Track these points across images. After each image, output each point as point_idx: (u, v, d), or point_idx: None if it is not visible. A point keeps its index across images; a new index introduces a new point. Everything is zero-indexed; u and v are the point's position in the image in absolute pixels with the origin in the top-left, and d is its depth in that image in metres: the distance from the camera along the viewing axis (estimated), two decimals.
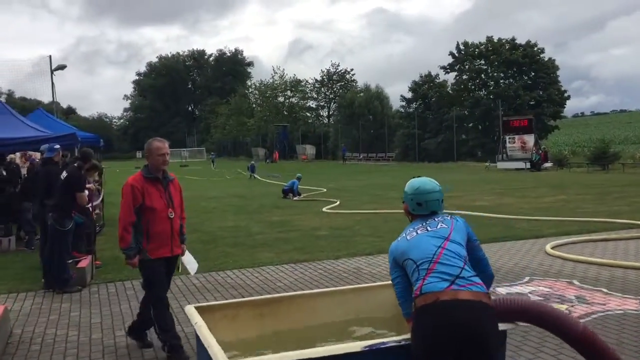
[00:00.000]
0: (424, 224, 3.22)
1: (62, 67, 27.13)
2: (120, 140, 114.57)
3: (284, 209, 16.52)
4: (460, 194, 19.22)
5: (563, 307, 6.16)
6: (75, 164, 7.64)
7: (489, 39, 51.98)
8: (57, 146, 8.33)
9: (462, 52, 52.98)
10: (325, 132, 70.11)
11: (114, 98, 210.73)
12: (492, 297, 3.11)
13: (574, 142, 56.34)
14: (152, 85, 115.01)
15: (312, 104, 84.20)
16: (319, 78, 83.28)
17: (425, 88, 55.30)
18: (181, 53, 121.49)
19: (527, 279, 7.50)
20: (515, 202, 16.30)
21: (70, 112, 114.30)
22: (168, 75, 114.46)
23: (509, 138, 37.08)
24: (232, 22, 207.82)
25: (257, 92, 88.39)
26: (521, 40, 51.02)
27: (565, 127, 56.03)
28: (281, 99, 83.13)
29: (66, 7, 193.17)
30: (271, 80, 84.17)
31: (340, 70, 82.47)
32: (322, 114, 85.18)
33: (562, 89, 50.17)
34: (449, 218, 3.26)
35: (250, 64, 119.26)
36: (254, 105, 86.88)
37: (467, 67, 52.34)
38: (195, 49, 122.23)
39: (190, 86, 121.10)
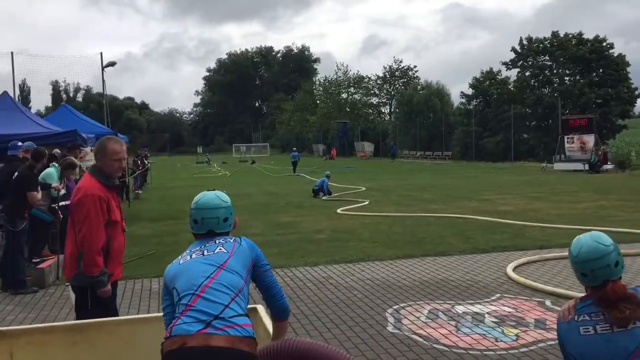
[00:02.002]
0: (203, 246, 2.81)
1: (112, 64, 27.77)
2: (190, 135, 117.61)
3: (303, 208, 16.25)
4: (493, 196, 18.36)
5: (514, 332, 5.62)
6: (27, 163, 7.64)
7: (555, 34, 49.67)
8: (20, 144, 8.38)
9: (526, 48, 50.88)
10: (384, 130, 69.22)
11: (188, 94, 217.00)
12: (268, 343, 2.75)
13: None
14: (221, 82, 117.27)
15: (374, 100, 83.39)
16: (381, 74, 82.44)
17: (486, 85, 53.51)
18: (249, 50, 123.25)
19: (497, 296, 6.94)
20: (545, 207, 15.35)
21: (143, 107, 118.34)
22: (236, 72, 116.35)
23: (568, 138, 35.25)
24: (306, 18, 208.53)
25: (321, 88, 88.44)
26: (600, 34, 48.36)
27: (636, 127, 52.81)
28: (344, 95, 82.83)
29: (151, 5, 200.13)
30: (335, 77, 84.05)
31: (403, 66, 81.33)
32: (383, 110, 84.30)
33: (633, 86, 47.29)
34: (231, 241, 2.84)
35: (317, 60, 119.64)
36: (317, 102, 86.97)
37: (530, 63, 50.24)
38: (263, 45, 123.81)
39: (257, 82, 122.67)
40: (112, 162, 4.15)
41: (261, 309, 3.52)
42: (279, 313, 3.01)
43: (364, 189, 22.29)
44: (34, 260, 8.13)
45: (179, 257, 2.84)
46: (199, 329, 2.45)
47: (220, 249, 2.77)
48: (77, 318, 3.87)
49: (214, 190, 3.09)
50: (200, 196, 2.97)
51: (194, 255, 2.77)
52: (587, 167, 31.80)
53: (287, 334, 5.58)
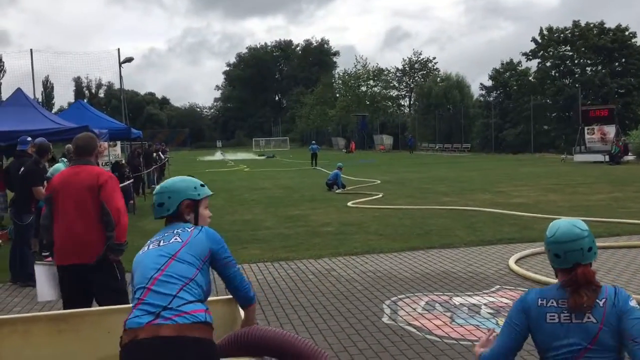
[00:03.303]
0: (162, 236, 2.88)
1: (129, 60, 28.04)
2: (211, 129, 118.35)
3: (315, 202, 16.30)
4: (508, 188, 18.25)
5: None
6: (32, 158, 7.79)
7: (576, 24, 48.94)
8: (29, 139, 8.55)
9: (546, 38, 50.22)
10: (403, 122, 68.92)
11: (210, 88, 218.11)
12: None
13: None
14: (241, 76, 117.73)
15: (393, 93, 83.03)
16: (400, 67, 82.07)
17: (506, 76, 52.98)
18: (269, 44, 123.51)
19: (496, 287, 6.94)
20: (559, 199, 15.22)
21: (164, 102, 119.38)
22: (256, 66, 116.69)
23: (588, 129, 34.78)
24: (329, 11, 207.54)
25: (340, 81, 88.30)
26: (622, 23, 47.51)
27: None
28: (364, 88, 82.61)
29: (175, 1, 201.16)
30: (354, 70, 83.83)
31: (423, 58, 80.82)
32: (402, 103, 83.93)
33: None
34: (189, 230, 2.87)
35: (337, 53, 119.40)
36: (337, 95, 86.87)
37: (551, 53, 49.60)
38: (282, 39, 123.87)
39: (277, 76, 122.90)
40: (97, 154, 4.86)
41: None
42: (241, 302, 3.07)
43: (379, 181, 22.29)
44: (43, 254, 8.30)
45: (145, 246, 2.91)
46: (149, 321, 2.52)
47: (175, 239, 2.81)
48: (114, 290, 4.34)
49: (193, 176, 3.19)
50: (168, 182, 3.13)
51: (151, 246, 2.85)
52: (607, 158, 31.37)
53: (284, 325, 5.69)
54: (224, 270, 2.95)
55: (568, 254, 2.38)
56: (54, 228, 4.51)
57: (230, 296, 3.76)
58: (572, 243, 2.38)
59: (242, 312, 3.34)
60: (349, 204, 15.13)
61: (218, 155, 59.62)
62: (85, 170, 4.58)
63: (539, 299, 2.38)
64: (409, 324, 5.67)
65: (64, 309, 4.48)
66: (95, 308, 3.66)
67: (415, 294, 6.71)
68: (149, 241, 2.94)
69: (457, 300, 6.47)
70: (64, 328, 3.40)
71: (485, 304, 6.27)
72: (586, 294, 2.30)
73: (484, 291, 6.78)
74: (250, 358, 2.76)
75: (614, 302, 2.29)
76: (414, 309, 6.17)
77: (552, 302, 2.35)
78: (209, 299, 3.54)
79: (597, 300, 2.29)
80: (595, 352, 2.25)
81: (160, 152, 25.61)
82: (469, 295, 6.62)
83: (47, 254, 8.29)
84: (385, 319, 5.85)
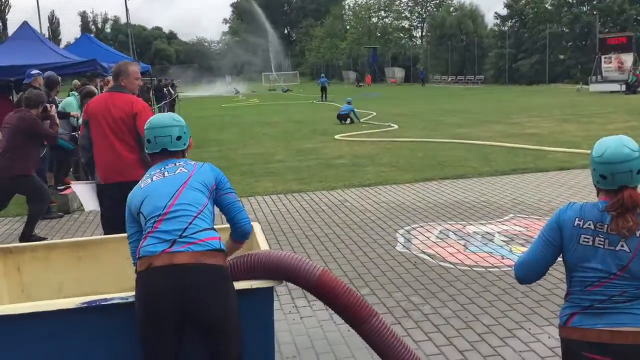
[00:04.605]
0: (162, 169, 2.83)
1: None
2: (220, 64, 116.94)
3: (327, 135, 16.18)
4: (522, 119, 18.04)
5: (522, 250, 5.64)
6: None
7: None
8: (34, 72, 8.47)
9: None
10: (415, 55, 67.64)
11: (218, 22, 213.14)
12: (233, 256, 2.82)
13: None
14: (249, 8, 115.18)
15: (405, 24, 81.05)
16: None
17: (522, 4, 51.39)
18: None
19: (510, 216, 6.95)
20: (573, 129, 15.04)
21: (172, 37, 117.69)
22: None
23: (605, 58, 33.93)
24: None
25: (350, 12, 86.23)
26: None
27: None
28: (375, 19, 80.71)
29: None
30: (365, 1, 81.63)
31: None
32: (414, 34, 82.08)
33: None
34: (192, 163, 2.86)
35: None
36: (347, 27, 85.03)
37: None
38: None
39: (285, 8, 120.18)
40: (134, 80, 4.95)
41: (257, 227, 3.60)
42: (238, 236, 2.98)
43: (396, 126, 22.08)
44: (58, 188, 8.40)
45: (140, 182, 2.86)
46: (164, 249, 2.52)
47: (181, 170, 2.79)
48: None
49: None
50: (154, 117, 3.00)
51: (154, 178, 2.79)
52: (623, 87, 30.77)
53: (289, 247, 5.74)
54: (224, 199, 2.88)
55: (616, 176, 2.21)
56: (95, 150, 4.85)
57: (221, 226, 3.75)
58: (622, 164, 2.20)
59: (258, 238, 3.36)
60: (336, 137, 15.16)
61: (229, 89, 58.86)
62: (120, 97, 4.83)
63: (577, 219, 2.28)
64: (423, 252, 5.71)
65: (104, 225, 4.92)
66: (113, 235, 3.70)
67: (429, 224, 6.74)
68: (146, 175, 2.88)
69: (470, 228, 6.49)
70: (83, 254, 3.46)
71: (498, 232, 6.29)
72: (632, 218, 2.20)
73: (497, 220, 6.79)
74: (261, 280, 2.77)
75: None
76: (427, 237, 6.20)
77: (590, 224, 2.25)
78: (222, 226, 3.56)
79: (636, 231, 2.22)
80: (623, 280, 2.21)
81: (170, 87, 25.42)
82: (482, 224, 6.64)
83: (62, 187, 8.42)
84: (399, 248, 5.90)
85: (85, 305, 2.53)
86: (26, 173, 6.34)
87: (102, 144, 4.78)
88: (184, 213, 2.62)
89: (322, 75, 42.82)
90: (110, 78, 12.51)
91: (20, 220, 7.59)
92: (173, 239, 2.55)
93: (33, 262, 3.37)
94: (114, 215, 4.67)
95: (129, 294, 2.58)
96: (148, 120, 2.97)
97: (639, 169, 2.22)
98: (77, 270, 3.43)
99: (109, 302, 2.55)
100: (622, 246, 2.20)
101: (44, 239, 6.44)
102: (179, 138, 2.91)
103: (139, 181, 3.99)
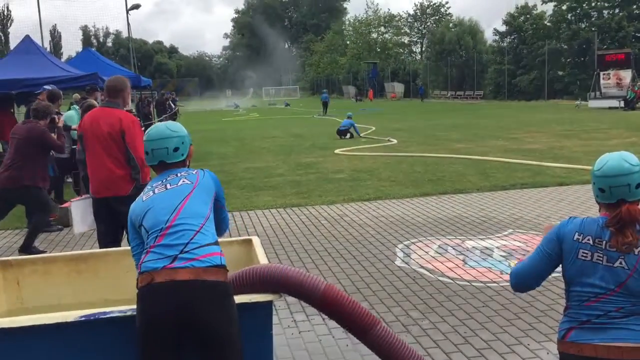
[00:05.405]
0: (164, 180, 2.81)
1: (136, 7, 27.81)
2: (220, 79, 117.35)
3: (327, 150, 16.23)
4: (521, 135, 18.09)
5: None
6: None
7: None
8: (47, 86, 8.55)
9: None
10: (414, 70, 67.94)
11: (218, 36, 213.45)
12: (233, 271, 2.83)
13: None
14: (250, 23, 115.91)
15: (404, 39, 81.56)
16: (412, 12, 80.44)
17: (520, 20, 51.73)
18: None
19: (509, 231, 6.95)
20: (573, 144, 15.07)
21: (173, 51, 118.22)
22: (264, 13, 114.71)
23: (604, 74, 34.11)
24: None
25: (350, 28, 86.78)
26: None
27: None
28: (374, 35, 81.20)
29: None
30: (365, 16, 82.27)
31: (435, 3, 78.95)
32: (414, 50, 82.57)
33: None
34: (194, 173, 2.84)
35: None
36: (347, 42, 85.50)
37: None
38: None
39: (286, 23, 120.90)
40: (128, 96, 5.19)
41: (256, 241, 3.61)
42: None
43: (395, 141, 22.15)
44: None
45: (142, 194, 2.84)
46: (165, 265, 2.51)
47: (183, 181, 2.76)
48: None
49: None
50: (152, 128, 2.96)
51: (156, 190, 2.77)
52: (622, 104, 30.90)
53: (288, 262, 5.74)
54: (220, 213, 2.96)
55: (613, 189, 2.24)
56: (87, 164, 4.96)
57: (246, 237, 3.82)
58: (619, 178, 2.23)
59: (257, 252, 3.37)
60: (336, 151, 15.26)
61: (229, 104, 58.97)
62: (110, 113, 4.90)
63: (577, 233, 2.30)
64: (422, 267, 5.71)
65: (99, 239, 4.98)
66: (114, 249, 3.71)
67: (428, 238, 6.74)
68: (148, 187, 2.86)
69: (469, 243, 6.49)
70: (83, 268, 3.46)
71: (497, 247, 6.30)
72: (631, 233, 2.20)
73: (497, 235, 6.80)
74: (260, 294, 2.78)
75: None
76: (426, 252, 6.21)
77: (589, 240, 2.27)
78: (225, 239, 3.58)
79: (634, 248, 2.20)
80: (620, 296, 2.21)
81: (170, 101, 25.51)
82: (481, 239, 6.64)
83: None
84: (398, 262, 5.90)
85: (84, 318, 2.53)
86: (34, 184, 6.38)
87: (93, 159, 4.89)
88: (186, 227, 2.61)
89: (324, 90, 43.09)
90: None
91: (19, 233, 7.61)
92: (174, 255, 2.54)
93: (33, 275, 3.37)
94: (106, 230, 4.88)
95: (128, 308, 2.58)
96: (146, 132, 2.96)
97: (637, 183, 2.23)
98: (77, 284, 3.43)
99: (108, 316, 2.55)
100: (620, 263, 2.21)
101: (43, 252, 6.44)
102: (176, 149, 2.87)
103: (127, 196, 4.02)
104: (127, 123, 4.82)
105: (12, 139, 6.58)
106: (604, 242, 2.25)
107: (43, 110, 6.67)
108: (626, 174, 2.23)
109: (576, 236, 2.30)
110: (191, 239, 2.59)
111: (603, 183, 2.27)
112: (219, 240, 2.78)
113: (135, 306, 2.55)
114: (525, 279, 2.44)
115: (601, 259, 2.23)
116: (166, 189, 2.75)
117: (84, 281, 3.45)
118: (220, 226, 3.02)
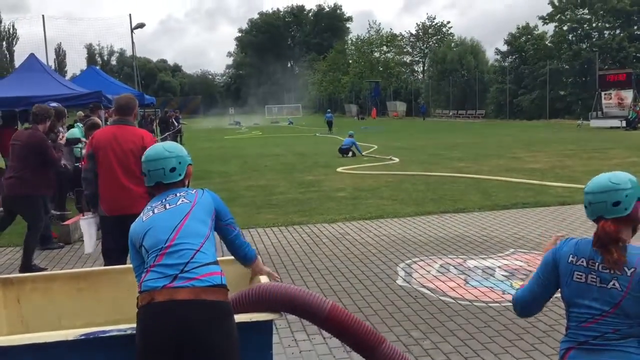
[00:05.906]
0: (164, 200, 2.81)
1: (141, 26, 28.00)
2: (224, 97, 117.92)
3: (329, 168, 16.26)
4: (523, 154, 18.11)
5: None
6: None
7: None
8: (53, 104, 8.61)
9: (564, 1, 49.11)
10: (416, 89, 68.23)
11: (222, 55, 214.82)
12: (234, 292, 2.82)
13: None
14: (253, 42, 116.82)
15: (406, 59, 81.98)
16: (414, 32, 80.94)
17: (522, 41, 52.06)
18: (281, 9, 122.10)
19: (511, 251, 6.94)
20: (574, 164, 15.09)
21: (176, 69, 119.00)
22: (268, 32, 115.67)
23: (605, 94, 34.24)
24: None
25: (353, 47, 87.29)
26: None
27: None
28: (377, 54, 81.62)
29: None
30: (367, 36, 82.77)
31: (437, 23, 79.48)
32: (416, 69, 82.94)
33: None
34: (193, 192, 2.85)
35: (349, 19, 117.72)
36: (350, 61, 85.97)
37: (568, 16, 48.58)
38: (294, 4, 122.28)
39: (289, 42, 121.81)
40: (136, 115, 5.24)
41: (258, 260, 3.60)
42: (244, 261, 3.12)
43: (397, 160, 22.20)
44: (54, 212, 8.41)
45: (141, 214, 2.84)
46: (166, 284, 2.51)
47: (182, 201, 2.77)
48: None
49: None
50: (149, 149, 2.97)
51: (156, 211, 2.77)
52: (624, 123, 30.98)
53: (289, 280, 5.73)
54: (227, 232, 2.97)
55: (593, 205, 2.30)
56: (100, 182, 4.90)
57: (229, 257, 3.79)
58: (598, 195, 2.28)
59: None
60: (339, 169, 15.32)
61: (231, 122, 59.10)
62: (128, 130, 4.93)
63: (571, 256, 2.32)
64: (423, 286, 5.70)
65: (104, 257, 4.94)
66: (114, 267, 3.71)
67: (429, 257, 6.73)
68: (147, 207, 2.86)
69: (471, 263, 6.48)
70: (83, 286, 3.46)
71: (499, 267, 6.28)
72: (616, 250, 2.21)
73: (498, 254, 6.79)
74: (260, 313, 2.78)
75: None
76: (428, 271, 6.19)
77: (582, 262, 2.29)
78: (226, 258, 3.57)
79: (626, 268, 2.20)
80: (615, 317, 2.22)
81: (174, 119, 25.63)
82: (483, 259, 6.63)
83: (58, 213, 8.43)
84: (399, 281, 5.88)
85: (84, 337, 2.53)
86: (37, 192, 6.39)
87: (108, 177, 4.85)
88: (186, 247, 2.61)
89: (329, 110, 43.40)
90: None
91: (20, 251, 7.60)
92: (175, 274, 2.54)
93: (33, 293, 3.37)
94: (115, 246, 4.78)
95: (128, 327, 2.58)
96: (144, 154, 2.98)
97: (616, 201, 2.25)
98: (77, 302, 3.42)
99: (108, 335, 2.55)
100: (614, 284, 2.22)
101: (44, 269, 6.44)
102: (172, 169, 2.86)
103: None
104: (149, 140, 4.87)
105: (13, 145, 6.59)
106: (597, 263, 2.26)
107: (42, 113, 6.67)
108: (606, 191, 2.27)
109: (570, 258, 2.32)
110: (191, 258, 2.59)
111: (586, 199, 2.34)
112: (224, 259, 2.79)
113: (134, 325, 2.55)
114: (528, 307, 2.49)
115: (595, 280, 2.25)
116: (165, 208, 2.76)
117: (85, 299, 3.44)
118: (238, 253, 3.06)
